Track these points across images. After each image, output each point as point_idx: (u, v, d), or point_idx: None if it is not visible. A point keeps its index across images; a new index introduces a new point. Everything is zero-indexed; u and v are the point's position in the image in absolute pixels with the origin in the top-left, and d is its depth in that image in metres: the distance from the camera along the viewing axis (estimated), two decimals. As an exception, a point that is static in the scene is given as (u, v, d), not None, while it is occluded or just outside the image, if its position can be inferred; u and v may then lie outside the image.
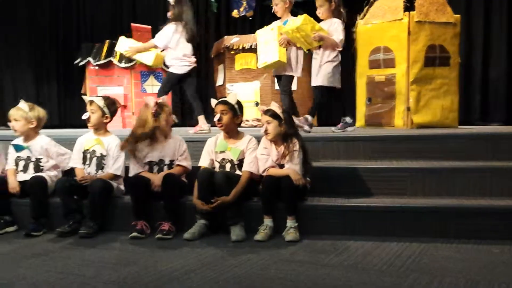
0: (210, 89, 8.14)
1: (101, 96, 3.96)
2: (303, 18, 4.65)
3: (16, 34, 8.96)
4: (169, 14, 5.41)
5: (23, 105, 3.97)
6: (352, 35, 5.86)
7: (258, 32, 5.27)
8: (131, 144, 3.70)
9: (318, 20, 4.93)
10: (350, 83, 6.66)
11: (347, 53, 5.83)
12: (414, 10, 5.34)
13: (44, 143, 3.96)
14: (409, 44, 5.33)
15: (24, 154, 3.94)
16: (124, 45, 5.68)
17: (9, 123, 3.96)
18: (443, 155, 3.97)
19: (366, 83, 5.70)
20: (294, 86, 6.65)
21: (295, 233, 3.26)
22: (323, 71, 4.93)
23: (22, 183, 3.81)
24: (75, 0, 9.00)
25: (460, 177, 3.63)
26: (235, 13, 8.31)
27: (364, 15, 5.75)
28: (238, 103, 3.71)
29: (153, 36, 7.85)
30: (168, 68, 5.69)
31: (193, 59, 5.45)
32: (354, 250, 3.02)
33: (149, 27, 7.92)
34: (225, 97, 3.79)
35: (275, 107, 3.56)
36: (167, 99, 3.79)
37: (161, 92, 5.40)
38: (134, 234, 3.41)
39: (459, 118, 5.67)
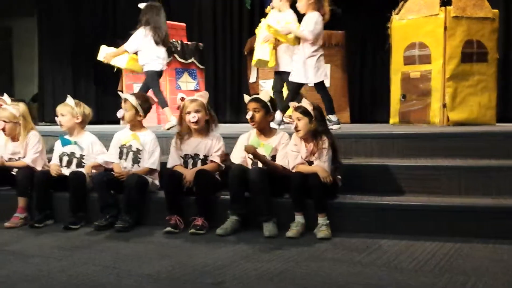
0: (244, 86, 8.18)
1: (135, 94, 4.04)
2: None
3: (58, 35, 9.22)
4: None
5: (69, 100, 4.10)
6: (386, 30, 5.79)
7: (257, 30, 5.50)
8: (176, 136, 3.84)
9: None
10: (384, 79, 6.61)
11: (381, 48, 5.78)
12: (450, 5, 5.23)
13: (91, 140, 4.08)
14: (445, 40, 5.22)
15: (68, 149, 4.06)
16: (102, 53, 5.90)
17: (56, 118, 4.08)
18: (479, 153, 3.89)
19: (401, 79, 5.63)
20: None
21: (327, 230, 3.26)
22: (309, 67, 4.94)
23: (65, 177, 3.91)
24: (112, 1, 9.18)
25: (497, 176, 3.56)
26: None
27: (399, 10, 5.67)
28: (271, 100, 3.73)
29: (187, 34, 7.99)
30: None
31: (165, 61, 5.70)
32: (386, 248, 3.00)
33: (184, 24, 8.02)
34: (258, 94, 3.81)
35: (306, 104, 3.55)
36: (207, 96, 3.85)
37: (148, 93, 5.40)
38: (168, 228, 3.47)
39: (496, 116, 5.53)
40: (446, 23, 5.22)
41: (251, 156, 3.65)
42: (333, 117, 4.98)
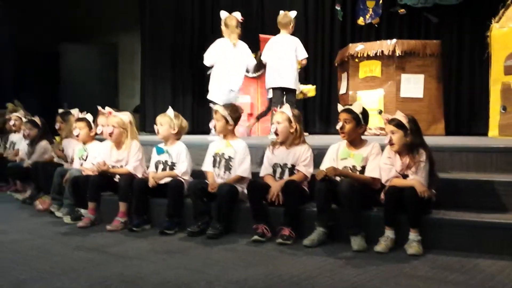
0: (334, 97, 8.13)
1: (225, 105, 4.20)
2: None
3: (159, 50, 9.77)
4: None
5: (170, 112, 4.34)
6: (485, 39, 5.53)
7: None
8: (270, 145, 3.99)
9: None
10: (483, 90, 6.29)
11: (480, 58, 5.52)
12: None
13: (180, 149, 4.27)
14: (550, 48, 4.89)
15: (163, 157, 4.28)
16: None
17: (154, 126, 4.33)
18: None
19: (501, 90, 5.33)
20: (420, 94, 6.47)
21: (418, 246, 3.15)
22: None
23: (161, 185, 4.14)
24: (210, 15, 9.53)
25: None
26: (360, 21, 8.21)
27: (500, 18, 5.39)
28: (364, 112, 3.68)
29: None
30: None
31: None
32: (482, 268, 2.85)
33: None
34: (351, 105, 3.78)
35: (401, 116, 3.45)
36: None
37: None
38: (256, 237, 3.54)
39: None
40: (551, 30, 4.88)
41: (340, 167, 3.64)
42: None
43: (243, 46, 5.58)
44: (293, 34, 6.06)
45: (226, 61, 5.44)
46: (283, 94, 5.89)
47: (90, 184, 4.24)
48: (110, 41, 10.96)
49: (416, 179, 3.31)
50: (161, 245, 3.55)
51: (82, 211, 4.31)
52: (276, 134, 3.88)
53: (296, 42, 5.99)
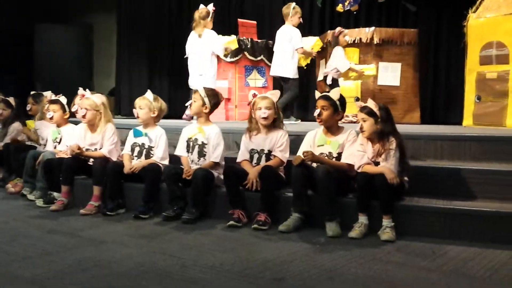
0: (312, 84, 8.14)
1: (206, 88, 4.15)
2: None
3: (135, 32, 9.63)
4: None
5: (149, 95, 4.27)
6: (462, 29, 5.59)
7: None
8: (246, 131, 3.96)
9: None
10: (458, 79, 6.37)
11: (456, 47, 5.58)
12: (533, 3, 4.97)
13: (159, 133, 4.23)
14: (525, 39, 4.97)
15: (140, 140, 4.23)
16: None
17: (134, 110, 4.27)
18: (560, 160, 3.67)
19: (476, 80, 5.41)
20: (397, 82, 6.56)
21: (391, 232, 3.20)
22: None
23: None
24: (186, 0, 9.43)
25: None
26: (339, 8, 8.19)
27: (477, 8, 5.45)
28: (341, 99, 3.70)
29: (257, 32, 8.07)
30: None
31: None
32: (454, 255, 2.90)
33: (254, 22, 8.10)
34: (328, 91, 3.79)
35: (372, 104, 3.50)
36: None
37: None
38: (231, 222, 3.54)
39: None
40: (527, 22, 4.95)
41: (319, 143, 3.68)
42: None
43: (208, 35, 5.95)
44: (299, 24, 6.48)
45: (194, 51, 6.01)
46: (281, 82, 6.54)
47: (64, 167, 4.16)
48: (86, 22, 10.74)
49: (386, 166, 3.35)
50: (136, 229, 3.53)
51: (55, 194, 4.24)
52: (266, 118, 3.85)
53: (292, 32, 6.34)
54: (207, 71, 5.91)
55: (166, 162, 4.15)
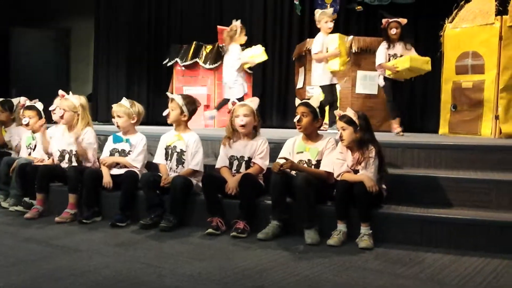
0: (291, 92, 8.18)
1: (182, 95, 4.13)
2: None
3: (114, 37, 9.55)
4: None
5: (125, 101, 4.23)
6: (438, 39, 5.67)
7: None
8: (225, 138, 3.94)
9: None
10: (435, 88, 6.46)
11: (433, 57, 5.67)
12: (507, 14, 5.07)
13: (139, 139, 4.19)
14: (500, 50, 5.07)
15: (119, 146, 4.18)
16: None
17: (113, 119, 4.22)
18: (533, 168, 3.75)
19: (452, 89, 5.50)
20: (374, 91, 6.64)
21: (369, 240, 3.22)
22: None
23: (114, 176, 4.06)
24: (167, 5, 9.40)
25: (551, 192, 3.41)
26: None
27: (453, 18, 5.54)
28: (321, 106, 3.74)
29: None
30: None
31: None
32: (431, 262, 2.93)
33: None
34: (308, 99, 3.82)
35: (351, 113, 3.52)
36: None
37: None
38: (210, 230, 3.52)
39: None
40: (501, 33, 5.07)
41: (295, 161, 3.67)
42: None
43: (232, 49, 6.32)
44: None
45: (224, 65, 6.49)
46: None
47: (38, 174, 4.09)
48: (63, 26, 10.61)
49: (365, 174, 3.38)
50: (113, 237, 3.48)
51: (31, 201, 4.16)
52: (243, 126, 3.85)
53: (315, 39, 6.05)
54: (232, 84, 6.26)
55: (139, 166, 4.11)
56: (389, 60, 5.66)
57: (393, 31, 5.68)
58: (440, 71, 5.80)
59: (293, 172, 3.63)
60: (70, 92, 4.40)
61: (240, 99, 3.94)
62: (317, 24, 5.92)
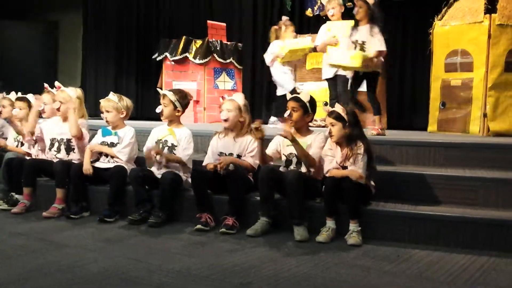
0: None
1: (173, 90, 4.11)
2: None
3: (102, 31, 9.45)
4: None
5: (112, 96, 4.20)
6: (428, 36, 5.69)
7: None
8: (215, 134, 3.92)
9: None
10: (424, 86, 6.49)
11: (422, 55, 5.69)
12: (495, 13, 5.10)
13: (128, 132, 4.16)
14: (489, 48, 5.09)
15: (108, 139, 4.15)
16: (275, 48, 5.95)
17: (101, 114, 4.19)
18: (520, 166, 3.78)
19: (441, 87, 5.52)
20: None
21: (358, 237, 3.23)
22: None
23: (102, 170, 4.03)
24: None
25: (537, 190, 3.44)
26: (308, 12, 8.24)
27: (442, 16, 5.56)
28: (311, 101, 3.73)
29: (227, 34, 8.03)
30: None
31: None
32: (418, 259, 2.95)
33: (224, 24, 8.08)
34: (299, 93, 3.82)
35: (339, 109, 3.54)
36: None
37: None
38: (199, 226, 3.51)
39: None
40: (490, 31, 5.08)
41: (286, 154, 3.69)
42: None
43: (270, 46, 6.12)
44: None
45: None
46: None
47: (25, 168, 4.05)
48: (50, 19, 10.49)
49: (352, 169, 3.39)
50: (101, 233, 3.45)
51: (18, 196, 4.12)
52: (226, 121, 3.84)
53: None
54: (281, 80, 6.07)
55: (123, 157, 4.08)
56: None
57: (355, 10, 4.92)
58: (429, 69, 5.82)
59: (282, 168, 3.63)
60: (56, 82, 4.38)
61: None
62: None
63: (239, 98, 3.92)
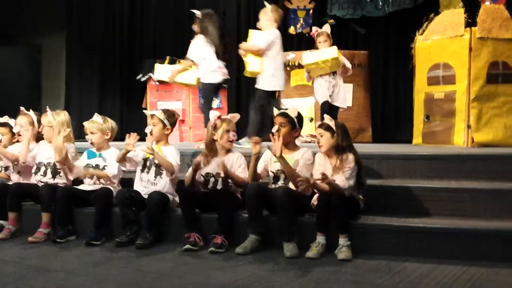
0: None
1: (161, 109, 4.10)
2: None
3: (85, 53, 9.44)
4: (195, 27, 5.39)
5: (97, 118, 4.17)
6: (410, 51, 5.77)
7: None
8: (203, 156, 3.86)
9: None
10: (407, 99, 6.56)
11: (405, 69, 5.75)
12: (476, 26, 5.19)
13: (113, 153, 4.11)
14: (470, 61, 5.17)
15: (94, 161, 4.12)
16: (162, 72, 5.86)
17: (86, 136, 4.16)
18: (505, 176, 3.80)
19: (424, 100, 5.58)
20: (349, 103, 6.62)
21: (348, 251, 3.22)
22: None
23: (88, 193, 3.98)
24: (139, 20, 9.36)
25: (524, 199, 3.47)
26: (291, 30, 8.35)
27: (424, 30, 5.64)
28: (299, 117, 3.76)
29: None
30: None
31: (226, 70, 5.44)
32: (409, 272, 2.94)
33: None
34: (286, 109, 3.84)
35: (328, 120, 3.59)
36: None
37: (206, 108, 5.19)
38: (187, 246, 3.47)
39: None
40: (471, 44, 5.17)
41: (274, 170, 3.70)
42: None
43: None
44: None
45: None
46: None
47: (10, 192, 3.99)
48: (34, 42, 10.45)
49: (337, 178, 3.37)
50: (88, 256, 3.40)
51: (2, 222, 4.04)
52: (231, 142, 3.86)
53: None
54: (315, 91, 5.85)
55: (116, 181, 4.07)
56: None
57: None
58: (412, 83, 5.89)
59: (270, 185, 3.63)
60: (48, 109, 4.35)
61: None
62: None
63: (234, 118, 3.96)
